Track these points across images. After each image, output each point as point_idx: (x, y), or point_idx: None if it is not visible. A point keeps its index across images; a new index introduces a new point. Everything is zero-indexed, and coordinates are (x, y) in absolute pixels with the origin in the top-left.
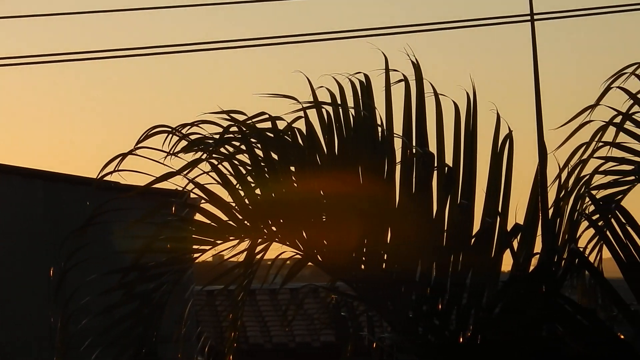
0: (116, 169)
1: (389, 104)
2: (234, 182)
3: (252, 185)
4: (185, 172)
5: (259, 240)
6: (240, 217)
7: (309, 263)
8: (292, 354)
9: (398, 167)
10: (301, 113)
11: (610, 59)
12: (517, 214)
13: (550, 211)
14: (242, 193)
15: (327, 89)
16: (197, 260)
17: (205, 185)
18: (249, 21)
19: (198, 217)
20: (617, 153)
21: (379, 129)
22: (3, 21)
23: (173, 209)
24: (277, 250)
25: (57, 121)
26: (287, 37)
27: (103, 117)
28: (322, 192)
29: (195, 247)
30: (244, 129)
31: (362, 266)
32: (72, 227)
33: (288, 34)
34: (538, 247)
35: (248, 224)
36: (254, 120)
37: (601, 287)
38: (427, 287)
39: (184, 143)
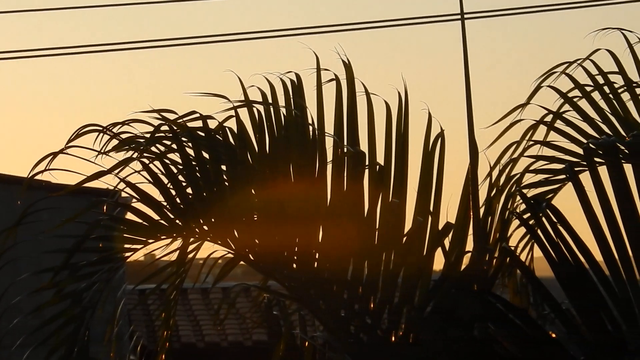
0: (47, 168)
1: (320, 104)
2: (165, 181)
3: (184, 184)
4: (116, 171)
5: (191, 239)
6: (172, 216)
7: (241, 262)
8: (225, 353)
9: (329, 166)
10: (232, 112)
11: (541, 58)
12: (448, 212)
13: (482, 210)
14: (173, 192)
15: (258, 88)
16: (128, 260)
17: (136, 184)
18: (178, 20)
19: (129, 216)
20: (547, 152)
21: (310, 128)
22: None
23: (104, 208)
24: (209, 249)
25: None
26: (218, 36)
27: (33, 116)
28: (253, 191)
29: (126, 246)
30: (175, 128)
31: (294, 265)
32: (2, 226)
33: (219, 33)
34: (469, 245)
35: (179, 222)
36: (184, 119)
37: (532, 285)
38: (359, 286)
39: (115, 142)
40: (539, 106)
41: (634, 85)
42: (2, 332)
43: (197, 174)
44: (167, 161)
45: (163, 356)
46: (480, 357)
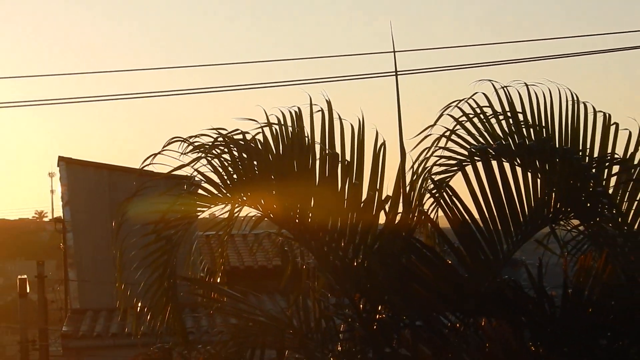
0: (151, 162)
1: (312, 124)
2: (220, 170)
3: (230, 171)
4: (191, 164)
5: (236, 204)
6: (225, 191)
7: (266, 218)
8: (256, 272)
9: (317, 162)
10: (260, 130)
11: (447, 95)
12: (388, 189)
13: (408, 187)
14: (225, 176)
15: (275, 115)
16: (199, 217)
17: (203, 172)
18: (231, 75)
19: (200, 191)
20: (447, 153)
21: (307, 139)
22: None
23: (185, 186)
24: (247, 211)
25: (113, 128)
26: (254, 84)
27: (146, 128)
28: (272, 177)
29: (198, 209)
30: (226, 139)
31: (297, 220)
32: (125, 197)
33: (254, 83)
34: (401, 208)
35: (229, 195)
36: (232, 133)
37: (437, 233)
38: (334, 232)
39: (190, 147)
40: (441, 126)
41: (498, 113)
42: (124, 259)
43: (239, 166)
44: (222, 158)
45: (219, 274)
46: (406, 275)
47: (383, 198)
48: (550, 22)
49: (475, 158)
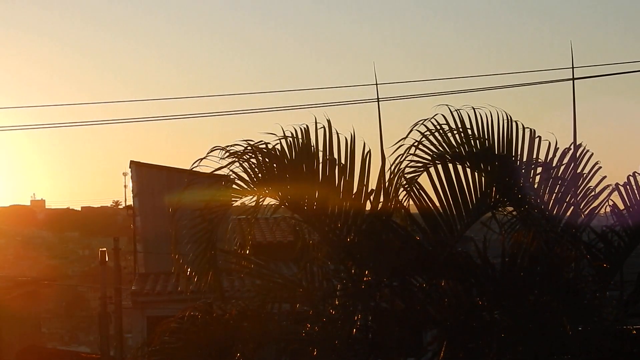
0: (198, 164)
1: (317, 137)
2: (249, 170)
3: (257, 171)
4: (228, 166)
5: (260, 196)
6: (252, 186)
7: (282, 206)
8: (275, 246)
9: (320, 165)
10: (278, 141)
11: (414, 115)
12: (372, 184)
13: (387, 183)
14: (252, 175)
15: (289, 131)
16: (233, 205)
17: (237, 172)
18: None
19: (234, 186)
20: (415, 158)
21: (312, 148)
22: None
23: (223, 182)
24: (268, 201)
25: (170, 140)
26: (277, 108)
27: (193, 140)
28: (287, 176)
29: (232, 199)
30: (253, 148)
31: (305, 207)
32: (179, 190)
33: (278, 107)
34: (382, 199)
35: (255, 188)
36: (257, 143)
37: (408, 216)
38: (333, 216)
39: (227, 154)
40: (412, 138)
41: (452, 129)
42: (178, 236)
43: (263, 168)
44: (250, 162)
45: (248, 247)
46: (385, 248)
47: (368, 191)
48: (492, 61)
49: (436, 162)
